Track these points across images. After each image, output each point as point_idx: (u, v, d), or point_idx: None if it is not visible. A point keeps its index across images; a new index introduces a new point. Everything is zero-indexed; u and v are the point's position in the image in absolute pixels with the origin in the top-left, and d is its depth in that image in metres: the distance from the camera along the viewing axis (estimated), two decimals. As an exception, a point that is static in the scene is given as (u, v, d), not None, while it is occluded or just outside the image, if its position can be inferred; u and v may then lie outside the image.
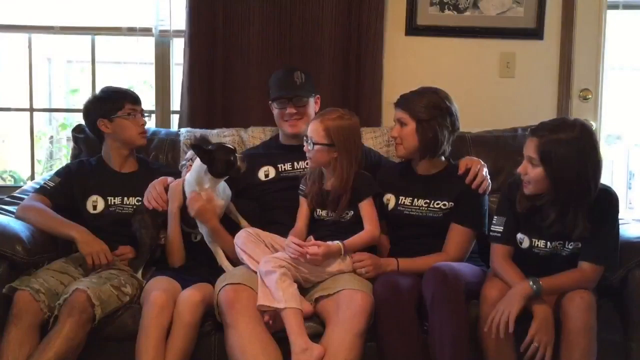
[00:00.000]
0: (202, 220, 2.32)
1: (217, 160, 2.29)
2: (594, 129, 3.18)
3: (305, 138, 2.32)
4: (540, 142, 2.04)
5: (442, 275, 2.08)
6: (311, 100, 2.65)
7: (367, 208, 2.28)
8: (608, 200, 2.10)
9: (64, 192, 2.51)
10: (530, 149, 2.08)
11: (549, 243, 2.16)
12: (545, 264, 2.15)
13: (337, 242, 2.20)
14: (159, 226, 2.42)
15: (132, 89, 2.67)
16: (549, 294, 2.08)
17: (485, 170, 2.36)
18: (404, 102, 2.33)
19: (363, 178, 2.30)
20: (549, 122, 2.14)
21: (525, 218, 2.16)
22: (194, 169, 2.35)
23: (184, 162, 2.65)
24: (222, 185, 2.39)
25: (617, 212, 2.14)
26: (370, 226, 2.26)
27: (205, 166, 2.30)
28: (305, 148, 2.31)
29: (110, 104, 2.50)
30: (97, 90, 2.60)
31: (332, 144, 2.25)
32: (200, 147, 2.30)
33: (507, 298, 2.04)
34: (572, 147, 2.00)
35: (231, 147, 2.36)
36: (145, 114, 2.62)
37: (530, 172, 2.08)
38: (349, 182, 2.26)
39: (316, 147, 2.26)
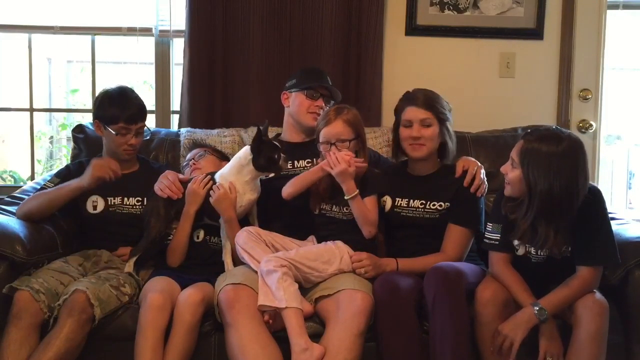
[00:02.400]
0: (220, 208, 2.32)
1: (262, 153, 2.31)
2: (593, 129, 3.23)
3: (320, 144, 2.31)
4: (524, 147, 2.05)
5: (444, 275, 2.08)
6: None
7: (370, 202, 2.28)
8: (592, 199, 2.06)
9: None
10: (515, 150, 2.09)
11: (540, 250, 2.14)
12: (543, 270, 2.15)
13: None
14: (170, 218, 2.42)
15: (136, 91, 2.61)
16: (555, 313, 2.07)
17: (482, 172, 2.36)
18: (426, 101, 2.31)
19: (373, 174, 2.33)
20: (543, 129, 2.14)
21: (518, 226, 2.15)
22: (235, 161, 2.37)
23: (186, 162, 2.66)
24: (258, 183, 2.40)
25: (604, 207, 2.11)
26: (374, 217, 2.28)
27: (251, 157, 2.32)
28: (333, 151, 2.25)
29: (108, 112, 2.46)
30: (115, 87, 2.53)
31: (358, 136, 2.30)
32: (259, 134, 2.32)
33: (512, 324, 2.04)
34: (551, 161, 1.99)
35: (278, 145, 2.36)
36: (147, 130, 2.56)
37: (510, 173, 2.10)
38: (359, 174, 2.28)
39: (352, 143, 2.28)
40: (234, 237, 2.30)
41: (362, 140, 2.33)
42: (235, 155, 2.41)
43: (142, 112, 2.51)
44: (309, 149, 2.51)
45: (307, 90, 2.57)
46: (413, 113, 2.31)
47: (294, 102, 2.61)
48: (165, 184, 2.42)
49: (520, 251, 2.18)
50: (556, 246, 2.05)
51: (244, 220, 2.40)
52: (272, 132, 2.85)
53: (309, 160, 2.55)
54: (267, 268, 2.09)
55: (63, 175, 2.55)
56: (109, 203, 2.51)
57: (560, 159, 1.99)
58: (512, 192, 2.11)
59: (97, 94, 2.63)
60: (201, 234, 2.46)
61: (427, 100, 2.32)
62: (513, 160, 2.09)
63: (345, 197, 2.24)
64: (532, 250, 2.16)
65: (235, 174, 2.35)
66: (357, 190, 2.23)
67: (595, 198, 2.08)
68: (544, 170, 1.99)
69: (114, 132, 2.45)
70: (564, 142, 2.01)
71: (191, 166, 2.60)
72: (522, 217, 2.06)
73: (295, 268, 2.13)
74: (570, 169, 2.00)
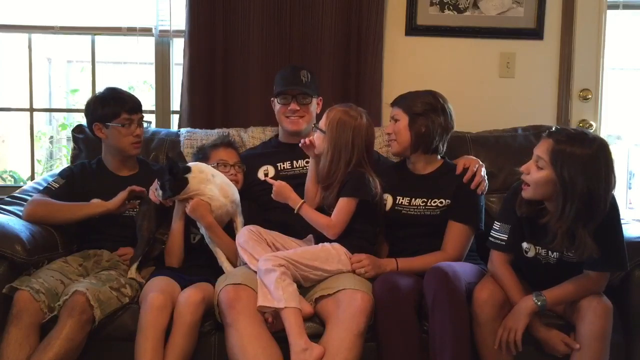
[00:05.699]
0: (196, 216, 2.31)
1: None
2: (593, 129, 3.23)
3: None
4: (555, 147, 1.96)
5: (443, 275, 2.08)
6: (314, 100, 2.66)
7: (340, 204, 2.25)
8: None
9: (68, 194, 2.50)
10: (542, 149, 2.00)
11: (550, 252, 2.12)
12: (553, 272, 2.13)
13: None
14: (161, 219, 2.43)
15: (132, 91, 2.65)
16: (555, 306, 2.08)
17: (483, 170, 2.36)
18: (397, 100, 2.39)
19: (356, 178, 2.25)
20: (570, 129, 2.07)
21: (530, 227, 2.12)
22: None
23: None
24: (221, 185, 2.38)
25: (619, 214, 2.08)
26: (333, 219, 2.25)
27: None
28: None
29: (107, 110, 2.48)
30: (102, 89, 2.57)
31: (329, 134, 2.28)
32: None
33: (513, 315, 2.05)
34: (585, 163, 1.93)
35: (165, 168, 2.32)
36: (146, 122, 2.60)
37: (534, 174, 2.01)
38: (334, 178, 2.26)
39: (316, 131, 2.32)
40: (220, 242, 2.33)
41: (330, 144, 2.26)
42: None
43: (138, 102, 2.56)
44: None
45: (279, 97, 2.63)
46: (390, 113, 2.42)
47: (275, 108, 2.69)
48: None
49: (531, 253, 2.16)
50: (594, 251, 1.97)
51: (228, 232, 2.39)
52: (271, 132, 2.88)
53: (307, 159, 2.55)
54: (265, 267, 2.09)
55: (67, 177, 2.55)
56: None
57: (596, 160, 1.94)
58: (534, 195, 2.03)
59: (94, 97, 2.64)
60: (197, 235, 2.46)
61: (398, 98, 2.40)
62: (540, 159, 2.00)
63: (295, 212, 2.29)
64: (543, 252, 2.14)
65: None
66: (302, 201, 2.29)
67: (611, 204, 2.03)
68: (584, 172, 1.93)
69: (119, 125, 2.46)
70: (595, 142, 1.96)
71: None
72: (557, 220, 1.98)
73: (293, 267, 2.13)
74: (605, 169, 1.96)
